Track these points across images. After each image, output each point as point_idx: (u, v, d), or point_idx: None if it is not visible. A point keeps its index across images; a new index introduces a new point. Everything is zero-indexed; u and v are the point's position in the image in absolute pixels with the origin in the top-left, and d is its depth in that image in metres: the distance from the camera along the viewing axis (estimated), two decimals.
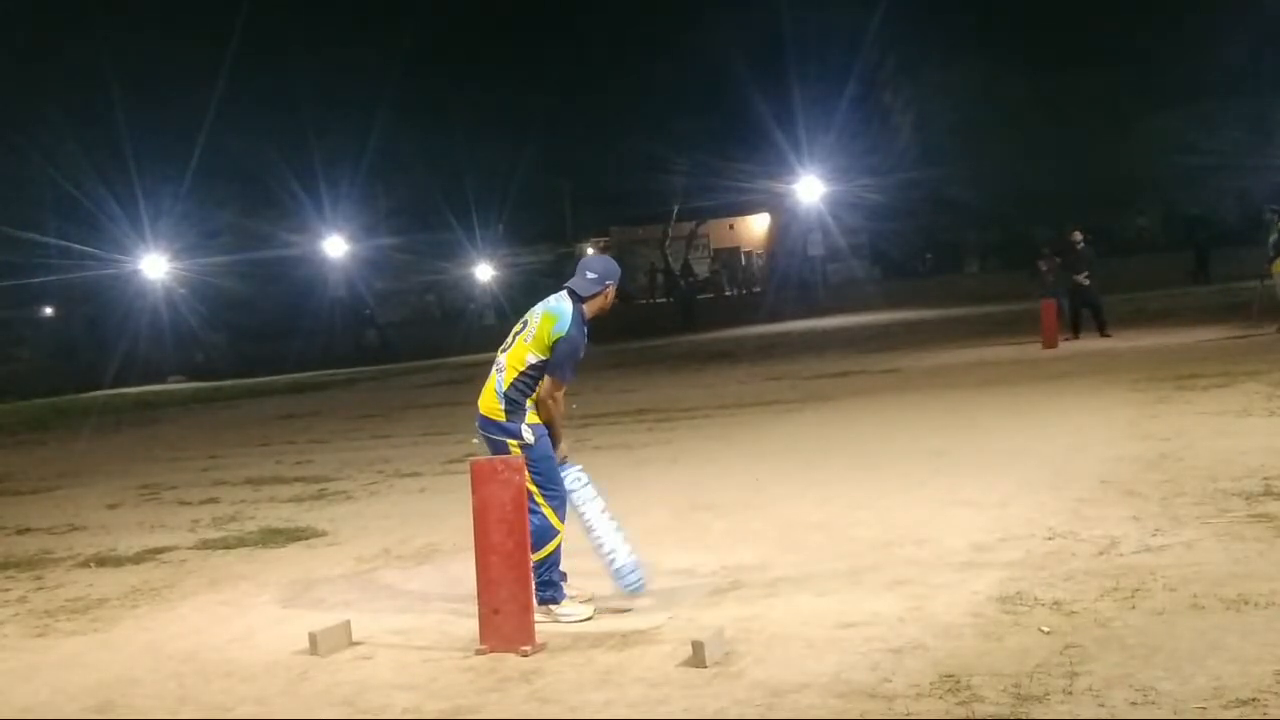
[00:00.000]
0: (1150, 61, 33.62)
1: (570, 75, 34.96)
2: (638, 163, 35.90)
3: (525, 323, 4.97)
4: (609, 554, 4.96)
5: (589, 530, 5.01)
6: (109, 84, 31.99)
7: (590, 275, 4.99)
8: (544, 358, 4.87)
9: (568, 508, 4.97)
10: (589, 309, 5.01)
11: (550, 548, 4.84)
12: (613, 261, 5.23)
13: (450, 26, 35.49)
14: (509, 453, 4.82)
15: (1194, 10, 32.91)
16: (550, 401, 4.91)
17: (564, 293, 4.99)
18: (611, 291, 5.07)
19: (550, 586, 4.86)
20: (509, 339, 5.00)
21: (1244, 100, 33.07)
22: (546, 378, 4.89)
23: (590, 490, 5.04)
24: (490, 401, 4.91)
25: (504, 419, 4.86)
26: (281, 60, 34.32)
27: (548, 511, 4.85)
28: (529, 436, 4.85)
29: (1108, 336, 17.00)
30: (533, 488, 4.75)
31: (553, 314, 4.88)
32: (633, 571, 4.98)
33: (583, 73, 35.43)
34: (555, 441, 4.99)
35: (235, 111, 33.00)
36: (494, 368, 4.99)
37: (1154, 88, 34.07)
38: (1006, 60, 34.48)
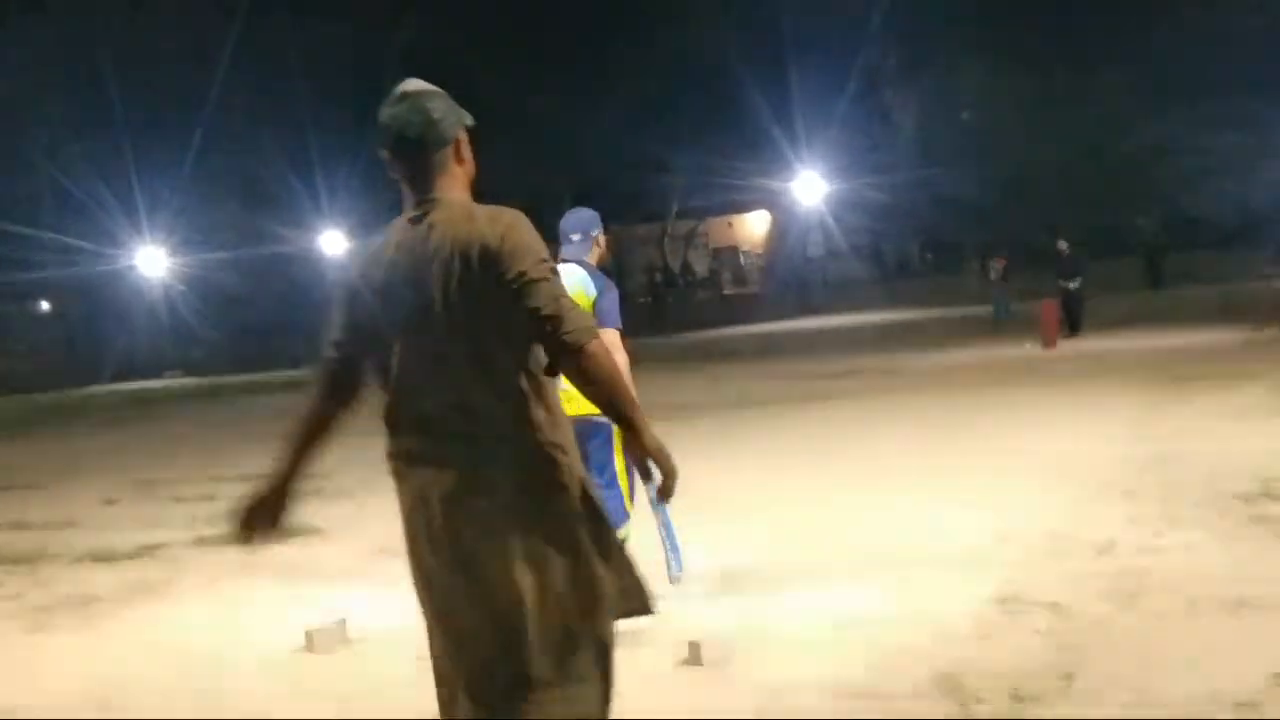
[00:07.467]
0: (1151, 63, 33.58)
1: (568, 73, 34.90)
2: (637, 161, 35.82)
3: None
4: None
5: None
6: (107, 80, 31.88)
7: (575, 238, 4.90)
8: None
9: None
10: (594, 263, 4.92)
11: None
12: (584, 211, 5.09)
13: (448, 24, 35.38)
14: (609, 448, 4.54)
15: (1194, 12, 32.88)
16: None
17: (569, 266, 4.71)
18: (602, 236, 5.02)
19: None
20: None
21: (1243, 102, 33.00)
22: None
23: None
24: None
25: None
26: (281, 55, 34.17)
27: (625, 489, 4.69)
28: None
29: (1076, 336, 17.71)
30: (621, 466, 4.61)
31: (577, 289, 4.54)
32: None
33: (581, 70, 35.35)
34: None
35: (234, 106, 32.88)
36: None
37: (1154, 89, 34.01)
38: (1008, 60, 34.42)
